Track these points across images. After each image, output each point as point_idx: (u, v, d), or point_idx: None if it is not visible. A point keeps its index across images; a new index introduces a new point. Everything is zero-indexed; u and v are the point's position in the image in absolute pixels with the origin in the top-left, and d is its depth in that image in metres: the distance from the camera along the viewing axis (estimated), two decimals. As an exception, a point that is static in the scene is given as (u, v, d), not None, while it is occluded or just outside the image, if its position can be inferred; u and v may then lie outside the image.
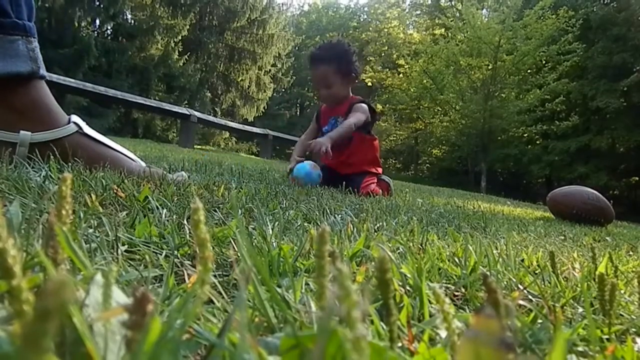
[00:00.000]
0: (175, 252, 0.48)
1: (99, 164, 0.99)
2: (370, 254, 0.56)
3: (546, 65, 15.33)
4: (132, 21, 14.86)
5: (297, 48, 24.73)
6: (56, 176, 0.81)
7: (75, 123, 1.02)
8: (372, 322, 0.32)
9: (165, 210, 0.67)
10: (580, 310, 0.47)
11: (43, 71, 1.00)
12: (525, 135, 16.04)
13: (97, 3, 13.03)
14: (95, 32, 13.84)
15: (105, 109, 11.94)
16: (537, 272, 0.64)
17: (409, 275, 0.46)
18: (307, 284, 0.42)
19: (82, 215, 0.54)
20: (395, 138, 23.89)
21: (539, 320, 0.40)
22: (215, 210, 0.79)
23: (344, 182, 1.90)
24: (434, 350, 0.28)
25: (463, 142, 16.75)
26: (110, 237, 0.47)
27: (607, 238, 1.60)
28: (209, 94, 16.82)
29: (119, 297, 0.26)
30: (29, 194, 0.63)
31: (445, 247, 0.72)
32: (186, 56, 15.26)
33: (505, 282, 0.54)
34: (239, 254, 0.43)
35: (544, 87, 14.38)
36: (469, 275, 0.53)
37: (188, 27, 15.26)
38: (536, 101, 14.29)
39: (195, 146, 8.79)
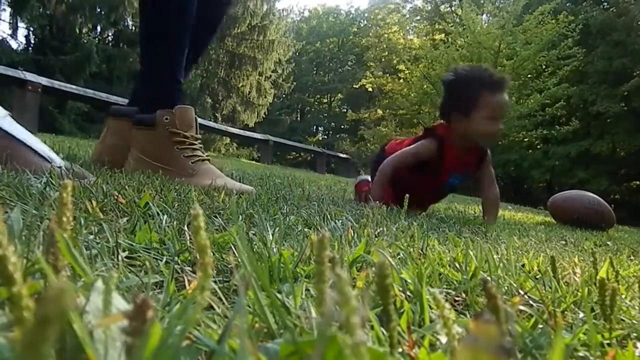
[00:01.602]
0: (176, 258, 0.48)
1: None
2: (371, 260, 0.56)
3: (546, 70, 15.34)
4: (133, 28, 14.86)
5: (297, 54, 24.81)
6: (57, 183, 0.81)
7: None
8: (372, 327, 0.32)
9: (165, 217, 0.67)
10: (581, 315, 0.47)
11: None
12: (526, 140, 16.00)
13: (99, 10, 13.06)
14: (97, 39, 13.87)
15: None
16: (538, 277, 0.64)
17: (409, 281, 0.46)
18: (307, 289, 0.42)
19: (82, 221, 0.54)
20: (395, 143, 23.86)
21: (540, 326, 0.40)
22: (216, 216, 0.79)
23: None
24: (434, 356, 0.28)
25: (463, 147, 16.71)
26: (111, 244, 0.47)
27: (608, 243, 1.60)
28: (210, 100, 16.83)
29: (120, 303, 0.26)
30: (30, 200, 0.64)
31: (445, 252, 0.72)
32: (187, 62, 15.28)
33: (506, 287, 0.54)
34: (239, 260, 0.43)
35: (544, 92, 14.36)
36: (470, 281, 0.53)
37: (189, 33, 15.29)
38: (536, 106, 14.27)
39: (196, 152, 8.79)
